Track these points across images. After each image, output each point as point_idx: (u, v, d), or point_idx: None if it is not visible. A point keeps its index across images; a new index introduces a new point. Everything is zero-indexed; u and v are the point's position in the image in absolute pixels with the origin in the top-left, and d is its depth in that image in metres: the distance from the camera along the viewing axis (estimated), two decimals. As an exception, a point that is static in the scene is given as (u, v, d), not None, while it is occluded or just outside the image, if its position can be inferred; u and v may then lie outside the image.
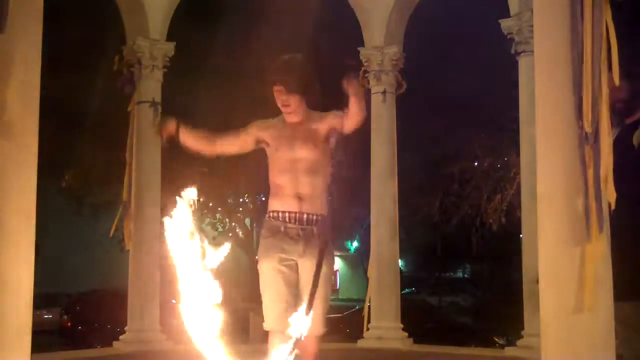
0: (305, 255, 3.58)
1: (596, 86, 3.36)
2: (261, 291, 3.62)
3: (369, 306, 7.37)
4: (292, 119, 3.73)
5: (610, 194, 3.37)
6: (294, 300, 3.50)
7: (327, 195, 3.67)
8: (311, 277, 3.34)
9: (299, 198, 3.59)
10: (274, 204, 3.68)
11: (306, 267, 3.55)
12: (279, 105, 3.70)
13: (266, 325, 3.59)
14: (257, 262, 3.73)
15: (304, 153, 3.64)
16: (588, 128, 3.33)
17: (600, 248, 3.34)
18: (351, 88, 3.50)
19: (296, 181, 3.62)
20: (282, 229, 3.62)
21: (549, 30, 3.61)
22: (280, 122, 3.76)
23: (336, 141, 3.67)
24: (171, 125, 3.69)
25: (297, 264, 3.60)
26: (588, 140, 3.33)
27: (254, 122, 3.81)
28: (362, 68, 7.62)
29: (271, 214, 3.68)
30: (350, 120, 3.60)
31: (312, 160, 3.64)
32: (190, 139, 3.75)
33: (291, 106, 3.68)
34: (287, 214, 3.62)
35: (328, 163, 3.70)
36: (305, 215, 3.59)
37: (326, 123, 3.70)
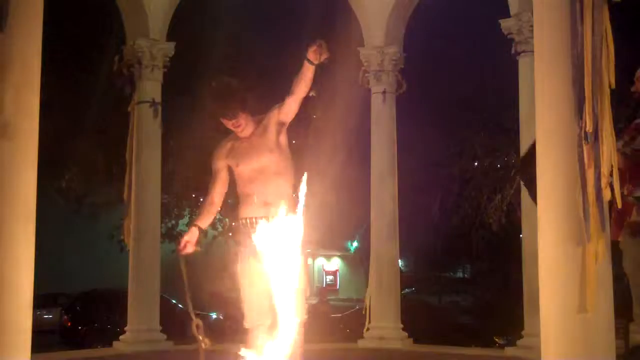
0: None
1: (596, 86, 3.37)
2: (241, 292, 3.94)
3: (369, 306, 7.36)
4: (245, 133, 4.03)
5: (613, 194, 3.36)
6: (270, 297, 3.61)
7: (291, 195, 3.86)
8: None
9: (266, 204, 3.85)
10: (244, 211, 3.98)
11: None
12: (230, 128, 4.01)
13: (248, 324, 3.91)
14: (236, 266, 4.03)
15: (263, 161, 3.94)
16: (589, 128, 3.33)
17: (601, 248, 3.34)
18: (316, 54, 3.74)
19: (262, 188, 3.91)
20: (250, 229, 3.87)
21: (549, 30, 3.61)
22: (234, 139, 4.07)
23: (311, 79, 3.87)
24: (195, 239, 4.04)
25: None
26: (588, 139, 3.34)
27: (214, 159, 4.16)
28: (362, 68, 7.62)
29: (240, 222, 3.99)
30: (291, 102, 3.94)
31: (272, 165, 3.94)
32: (208, 220, 4.20)
33: (241, 125, 3.97)
34: (254, 220, 3.87)
35: (288, 163, 4.00)
36: (271, 219, 3.69)
37: (272, 122, 4.00)
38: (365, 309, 7.33)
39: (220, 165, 4.13)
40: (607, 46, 3.41)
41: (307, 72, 3.82)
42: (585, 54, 3.38)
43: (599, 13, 3.39)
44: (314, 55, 3.75)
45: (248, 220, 3.94)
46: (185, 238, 4.08)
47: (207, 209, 4.22)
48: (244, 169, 3.98)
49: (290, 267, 3.37)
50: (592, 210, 3.31)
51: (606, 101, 3.38)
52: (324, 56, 3.75)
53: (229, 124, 3.99)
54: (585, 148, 3.34)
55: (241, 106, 3.95)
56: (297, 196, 3.47)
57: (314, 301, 14.28)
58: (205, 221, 4.17)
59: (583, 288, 3.35)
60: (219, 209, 4.30)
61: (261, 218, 3.81)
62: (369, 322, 7.30)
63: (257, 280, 3.80)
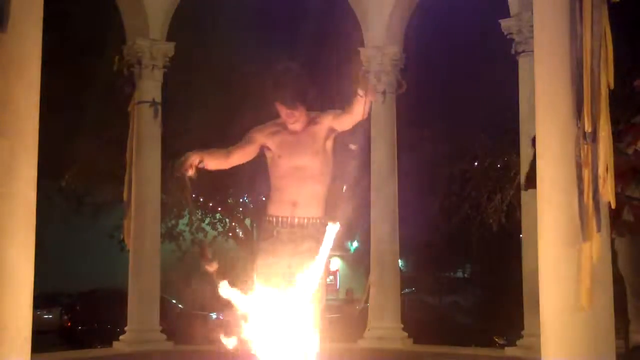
0: (295, 255, 3.73)
1: (595, 86, 3.37)
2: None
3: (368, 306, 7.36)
4: (296, 127, 3.84)
5: (608, 193, 3.37)
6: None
7: (325, 199, 3.82)
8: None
9: (294, 204, 3.74)
10: (271, 208, 3.85)
11: (297, 266, 3.67)
12: (283, 117, 3.82)
13: None
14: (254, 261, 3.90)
15: (305, 161, 3.78)
16: (588, 127, 3.33)
17: (596, 247, 3.34)
18: (364, 90, 3.55)
19: (294, 188, 3.76)
20: (275, 233, 3.81)
21: (548, 30, 3.61)
22: (282, 127, 3.87)
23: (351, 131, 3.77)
24: (196, 159, 3.73)
25: (288, 264, 3.74)
26: (587, 139, 3.34)
27: (255, 129, 3.93)
28: (362, 68, 7.62)
29: (267, 218, 3.86)
30: (348, 119, 3.72)
31: (312, 168, 3.78)
32: (213, 163, 3.86)
33: (295, 117, 3.79)
34: (280, 219, 3.79)
35: (328, 168, 3.85)
36: (297, 220, 3.75)
37: (325, 125, 3.81)
38: (366, 294, 7.28)
39: (257, 138, 3.91)
40: (606, 46, 3.42)
41: (359, 105, 3.60)
42: (584, 54, 3.39)
43: (598, 13, 3.40)
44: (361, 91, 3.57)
45: (274, 219, 3.84)
46: (189, 161, 3.72)
47: (218, 154, 3.95)
48: (283, 162, 3.82)
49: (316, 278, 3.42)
50: (588, 210, 3.32)
51: (603, 101, 3.38)
52: (369, 99, 3.58)
53: (284, 111, 3.80)
54: (583, 148, 3.34)
55: (302, 97, 3.78)
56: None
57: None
58: (209, 159, 3.84)
59: (580, 288, 3.35)
60: (224, 168, 4.12)
61: (284, 217, 3.78)
62: (369, 321, 7.31)
63: (274, 278, 3.75)
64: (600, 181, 3.35)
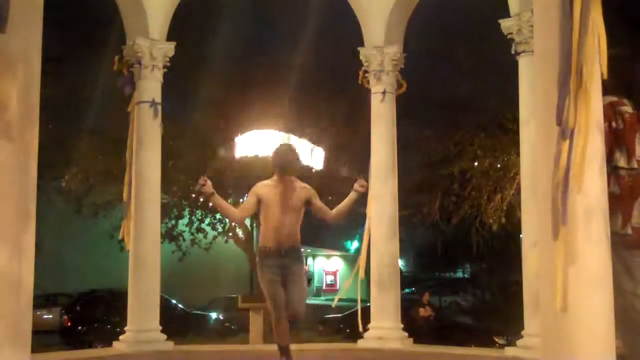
0: (285, 269, 5.30)
1: (577, 82, 3.35)
2: (265, 294, 5.31)
3: (361, 308, 7.33)
4: (281, 187, 5.37)
5: (576, 190, 3.31)
6: (285, 294, 5.27)
7: (299, 232, 5.41)
8: (292, 280, 5.27)
9: (279, 240, 5.30)
10: (264, 241, 5.39)
11: (287, 275, 5.31)
12: (278, 177, 5.35)
13: (273, 314, 5.26)
14: (257, 276, 5.46)
15: (287, 212, 5.33)
16: (572, 124, 3.31)
17: (570, 245, 3.29)
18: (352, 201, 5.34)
19: (279, 229, 5.31)
20: (270, 254, 5.35)
21: (547, 30, 3.61)
22: (272, 186, 5.41)
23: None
24: (209, 188, 5.19)
25: (281, 274, 5.30)
26: (565, 134, 3.32)
27: (255, 186, 5.45)
28: (362, 68, 7.63)
29: (262, 247, 5.40)
30: (319, 211, 5.40)
31: (292, 216, 5.34)
32: (218, 204, 5.43)
33: (285, 179, 5.36)
34: (272, 248, 5.34)
35: (301, 215, 5.43)
36: (283, 249, 5.32)
37: (304, 198, 5.38)
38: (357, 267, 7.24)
39: (257, 192, 5.41)
40: (597, 42, 3.39)
41: (353, 203, 5.35)
42: (573, 51, 3.38)
43: (587, 11, 3.38)
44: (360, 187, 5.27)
45: (266, 247, 5.34)
46: (208, 181, 5.20)
47: (229, 206, 5.71)
48: (271, 211, 5.32)
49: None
50: (561, 207, 3.28)
51: (585, 98, 3.35)
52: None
53: (280, 176, 5.31)
54: (561, 144, 3.32)
55: (293, 172, 5.42)
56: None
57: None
58: (221, 201, 5.43)
59: (577, 287, 3.33)
60: (231, 218, 5.07)
61: (275, 247, 5.28)
62: (364, 322, 7.30)
63: (272, 286, 5.30)
64: (573, 178, 3.29)
